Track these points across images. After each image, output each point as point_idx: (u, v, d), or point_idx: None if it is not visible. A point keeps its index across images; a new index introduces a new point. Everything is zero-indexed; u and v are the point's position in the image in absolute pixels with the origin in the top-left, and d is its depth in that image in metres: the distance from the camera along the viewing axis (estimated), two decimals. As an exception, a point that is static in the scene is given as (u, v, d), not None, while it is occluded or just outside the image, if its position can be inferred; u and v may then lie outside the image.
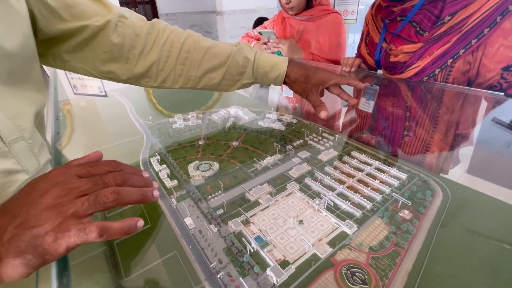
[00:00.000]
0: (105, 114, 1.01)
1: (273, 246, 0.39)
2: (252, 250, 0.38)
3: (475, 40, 0.59)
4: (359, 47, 0.84)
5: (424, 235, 0.40)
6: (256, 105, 0.96)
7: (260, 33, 1.19)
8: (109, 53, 0.49)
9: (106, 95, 1.28)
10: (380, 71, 0.69)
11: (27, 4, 0.36)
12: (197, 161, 0.61)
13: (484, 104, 0.63)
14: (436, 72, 0.61)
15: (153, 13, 5.66)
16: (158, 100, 1.13)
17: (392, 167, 0.54)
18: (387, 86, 0.66)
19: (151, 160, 0.63)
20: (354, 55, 0.86)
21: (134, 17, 0.51)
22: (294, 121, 0.79)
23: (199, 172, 0.57)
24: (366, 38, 0.75)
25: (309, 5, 1.14)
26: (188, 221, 0.44)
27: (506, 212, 0.44)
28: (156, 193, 0.30)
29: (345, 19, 5.81)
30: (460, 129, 0.60)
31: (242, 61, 0.52)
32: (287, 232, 0.42)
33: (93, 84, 1.60)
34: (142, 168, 0.61)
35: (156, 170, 0.59)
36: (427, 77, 0.63)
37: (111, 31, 0.48)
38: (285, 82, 0.56)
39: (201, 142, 0.71)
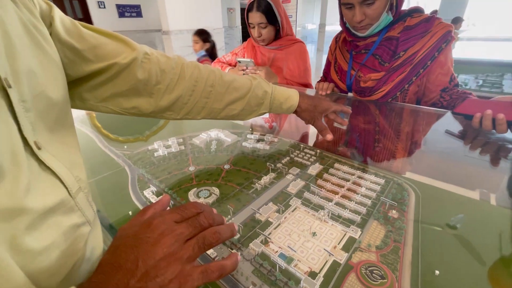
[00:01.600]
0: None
1: (298, 260, 0.43)
2: (282, 267, 0.41)
3: (422, 69, 0.79)
4: (325, 72, 0.98)
5: (411, 229, 0.49)
6: (233, 126, 0.99)
7: (239, 61, 1.28)
8: (134, 89, 0.48)
9: None
10: (350, 94, 0.82)
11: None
12: (195, 188, 0.61)
13: (431, 118, 0.81)
14: (397, 95, 0.77)
15: (88, 31, 5.21)
16: (102, 124, 1.07)
17: (371, 175, 0.64)
18: (358, 106, 0.78)
19: (145, 192, 0.60)
20: (320, 78, 1.00)
21: (156, 53, 0.52)
22: (275, 139, 0.85)
23: (201, 199, 0.57)
24: (335, 66, 0.89)
25: (277, 36, 1.28)
26: (208, 250, 0.45)
27: (459, 200, 0.56)
28: (236, 226, 0.34)
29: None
30: (414, 138, 0.75)
31: (261, 94, 0.58)
32: (304, 245, 0.46)
33: None
34: (137, 203, 0.58)
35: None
36: (391, 99, 0.80)
37: (137, 67, 0.47)
38: (295, 112, 0.64)
39: (191, 168, 0.70)
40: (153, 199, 0.58)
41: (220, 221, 0.32)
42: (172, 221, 0.28)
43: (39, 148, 0.27)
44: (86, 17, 5.05)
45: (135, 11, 5.77)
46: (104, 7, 5.30)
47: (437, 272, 0.40)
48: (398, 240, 0.46)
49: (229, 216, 0.53)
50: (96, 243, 0.33)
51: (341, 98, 0.94)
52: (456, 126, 0.79)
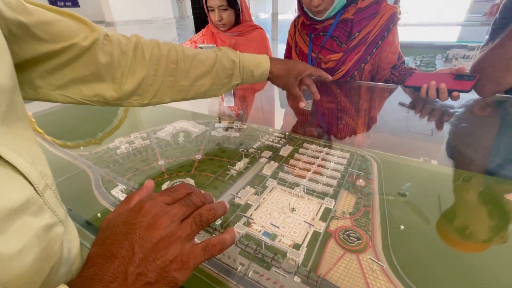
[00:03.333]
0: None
1: (281, 235, 0.44)
2: (268, 244, 0.42)
3: (375, 49, 0.85)
4: (286, 57, 0.99)
5: (377, 194, 0.54)
6: (200, 116, 0.97)
7: (201, 47, 1.21)
8: (95, 74, 0.44)
9: None
10: (313, 76, 0.85)
11: None
12: (168, 181, 0.59)
13: (384, 93, 0.89)
14: (355, 74, 0.82)
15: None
16: (44, 130, 0.94)
17: (337, 150, 0.68)
18: (321, 87, 0.81)
19: (112, 192, 0.56)
20: None
21: (116, 34, 0.47)
22: (244, 126, 0.85)
23: (176, 191, 0.56)
24: (296, 49, 0.91)
25: (237, 21, 1.25)
26: (191, 239, 0.44)
27: (409, 166, 0.64)
28: (227, 204, 0.34)
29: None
30: (371, 113, 0.82)
31: (228, 64, 0.55)
32: (285, 221, 0.48)
33: None
34: (106, 204, 0.53)
35: (126, 200, 0.53)
36: (350, 78, 0.85)
37: (98, 50, 0.43)
38: (268, 79, 0.62)
39: (160, 162, 0.67)
40: (123, 197, 0.54)
41: (210, 200, 0.32)
42: (163, 203, 0.26)
43: None
44: (8, 7, 4.35)
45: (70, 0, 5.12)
46: (30, -5, 4.61)
47: (402, 227, 0.45)
48: (367, 204, 0.50)
49: (208, 204, 0.52)
50: (72, 244, 0.30)
51: None
52: (406, 99, 0.88)
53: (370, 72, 0.87)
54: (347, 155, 0.66)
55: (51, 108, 1.14)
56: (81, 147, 0.77)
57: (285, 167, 0.62)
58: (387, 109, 0.86)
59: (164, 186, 0.57)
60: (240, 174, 0.62)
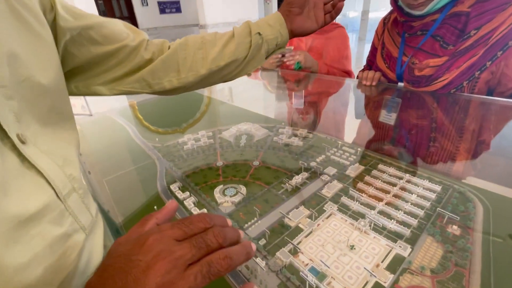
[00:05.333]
0: (105, 138, 0.94)
1: (331, 277, 0.37)
2: (313, 285, 0.36)
3: (501, 52, 0.62)
4: (370, 60, 0.85)
5: (480, 251, 0.39)
6: (265, 120, 0.94)
7: None
8: (140, 67, 0.48)
9: (91, 114, 1.22)
10: (400, 84, 0.70)
11: (53, 30, 0.32)
12: (221, 185, 0.58)
13: (506, 113, 0.65)
14: (464, 84, 0.63)
15: (133, 28, 5.56)
16: (143, 117, 1.11)
17: (424, 179, 0.54)
18: (410, 98, 0.67)
19: (171, 187, 0.59)
20: (363, 67, 0.88)
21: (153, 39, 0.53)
22: (310, 135, 0.78)
23: (227, 197, 0.54)
24: (382, 52, 0.76)
25: None
26: (231, 255, 0.41)
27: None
28: (254, 246, 0.26)
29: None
30: (482, 137, 0.62)
31: (245, 28, 0.51)
32: (340, 260, 0.39)
33: (75, 103, 1.52)
34: (163, 197, 0.56)
35: (180, 198, 0.55)
36: (454, 89, 0.68)
37: (143, 49, 0.47)
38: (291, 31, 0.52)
39: (219, 163, 0.67)
40: (179, 194, 0.56)
41: (234, 238, 0.25)
42: (172, 238, 0.22)
43: (23, 142, 0.23)
44: (130, 15, 5.38)
45: (174, 7, 5.97)
46: (147, 5, 5.57)
47: (518, 313, 0.31)
48: (461, 264, 0.37)
49: (255, 219, 0.48)
50: (92, 255, 0.30)
51: (389, 90, 0.80)
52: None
53: (487, 83, 0.64)
54: (438, 187, 0.51)
55: (150, 99, 1.34)
56: (157, 138, 0.85)
57: (351, 191, 0.53)
58: (507, 134, 0.63)
59: (217, 190, 0.57)
60: (296, 190, 0.55)
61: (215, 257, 0.22)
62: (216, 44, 0.52)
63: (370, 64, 0.85)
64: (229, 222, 0.28)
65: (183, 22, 6.27)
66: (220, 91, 1.56)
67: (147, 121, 1.05)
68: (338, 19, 1.35)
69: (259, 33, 0.50)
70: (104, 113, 1.16)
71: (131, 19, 5.43)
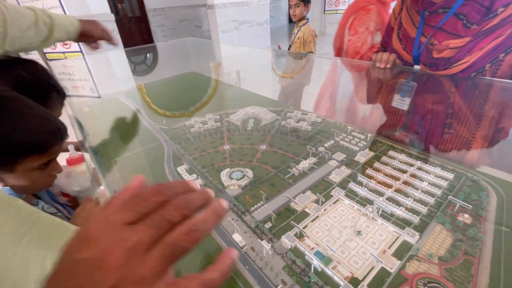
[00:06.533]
0: (113, 119, 0.95)
1: (337, 262, 0.37)
2: (318, 268, 0.36)
3: None
4: (384, 41, 0.80)
5: (491, 240, 0.38)
6: (274, 104, 0.92)
7: None
8: None
9: (99, 96, 1.23)
10: (417, 67, 0.66)
11: None
12: (228, 168, 0.58)
13: None
14: (486, 68, 0.58)
15: (140, 8, 5.47)
16: (151, 99, 1.11)
17: (435, 167, 0.52)
18: (427, 82, 0.63)
19: (178, 169, 0.59)
20: (377, 49, 0.83)
21: None
22: (319, 120, 0.76)
23: (234, 180, 0.54)
24: (399, 32, 0.71)
25: None
26: (237, 237, 0.41)
27: None
28: (225, 204, 0.21)
29: (336, 10, 5.65)
30: (501, 124, 0.59)
31: (47, 19, 0.54)
32: (346, 245, 0.39)
33: (84, 85, 1.53)
34: (170, 179, 0.57)
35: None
36: (475, 73, 0.63)
37: None
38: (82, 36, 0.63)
39: (226, 147, 0.67)
40: (186, 176, 0.56)
41: (201, 203, 0.20)
42: (121, 223, 0.18)
43: None
44: (138, -5, 5.24)
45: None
46: (154, -16, 5.41)
47: (528, 303, 0.30)
48: (471, 253, 0.36)
49: (261, 202, 0.48)
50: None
51: (404, 73, 0.74)
52: None
53: (510, 67, 0.59)
54: (451, 175, 0.50)
55: (158, 81, 1.33)
56: (164, 121, 0.85)
57: (359, 177, 0.52)
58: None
59: (224, 173, 0.57)
60: (304, 174, 0.55)
61: (176, 234, 0.18)
62: (16, 26, 0.49)
63: (385, 45, 0.79)
64: (192, 184, 0.22)
65: (190, 3, 6.10)
66: (227, 74, 1.54)
67: (154, 104, 1.05)
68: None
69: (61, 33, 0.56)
70: (112, 95, 1.16)
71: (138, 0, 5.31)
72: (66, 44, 2.28)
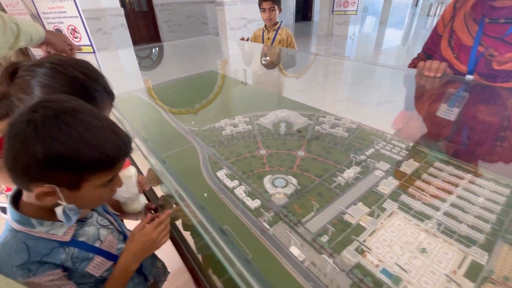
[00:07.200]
0: (139, 118, 0.92)
1: (407, 282, 0.35)
2: (390, 289, 0.34)
3: None
4: (428, 48, 0.76)
5: None
6: (300, 107, 0.90)
7: None
8: None
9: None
10: (469, 77, 0.63)
11: None
12: (269, 175, 0.56)
13: None
14: None
15: (147, 3, 5.42)
16: (157, 96, 1.11)
17: (488, 181, 0.51)
18: (481, 93, 0.61)
19: (218, 174, 0.57)
20: (417, 55, 0.79)
21: None
22: (354, 126, 0.74)
23: (279, 189, 0.52)
24: (450, 41, 0.68)
25: None
26: (294, 251, 0.40)
27: None
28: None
29: (345, 10, 5.60)
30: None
31: (15, 27, 0.53)
32: (411, 263, 0.38)
33: None
34: (211, 184, 0.55)
35: (230, 186, 0.53)
36: None
37: None
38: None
39: (262, 152, 0.65)
40: (227, 182, 0.54)
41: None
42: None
43: None
44: (145, -11, 5.20)
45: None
46: (162, -21, 5.37)
47: None
48: (547, 276, 0.35)
49: (312, 213, 0.47)
50: None
51: (455, 82, 0.67)
52: None
53: None
54: (507, 190, 0.48)
55: (166, 82, 1.31)
56: (192, 122, 0.83)
57: (410, 189, 0.50)
58: None
59: (266, 179, 0.55)
60: (350, 184, 0.53)
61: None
62: None
63: (428, 52, 0.74)
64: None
65: (197, -1, 6.07)
66: (234, 72, 1.51)
67: (160, 100, 1.05)
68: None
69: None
70: (131, 92, 1.14)
71: (146, -7, 5.27)
72: (76, 38, 2.26)
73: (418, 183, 0.52)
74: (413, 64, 0.78)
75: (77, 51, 0.73)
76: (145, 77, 1.42)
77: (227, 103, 1.03)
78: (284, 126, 0.77)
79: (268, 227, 0.44)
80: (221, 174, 0.57)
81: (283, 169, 0.59)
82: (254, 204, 0.48)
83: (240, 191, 0.52)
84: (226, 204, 0.50)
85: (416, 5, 8.44)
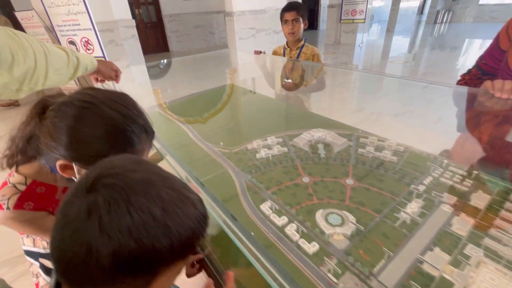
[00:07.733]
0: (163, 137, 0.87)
1: None
2: None
3: None
4: (484, 63, 0.69)
5: None
6: (336, 126, 0.84)
7: None
8: None
9: None
10: None
11: None
12: (321, 210, 0.50)
13: None
14: None
15: (156, 14, 5.48)
16: (182, 113, 1.08)
17: None
18: None
19: (261, 208, 0.51)
20: (469, 71, 0.72)
21: None
22: (401, 148, 0.68)
23: (337, 228, 0.46)
24: None
25: None
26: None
27: None
28: None
29: (353, 19, 5.61)
30: None
31: (76, 61, 0.56)
32: (525, 335, 0.31)
33: None
34: (259, 223, 0.48)
35: (278, 224, 0.47)
36: None
37: None
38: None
39: (305, 179, 0.59)
40: (275, 219, 0.48)
41: None
42: None
43: None
44: (154, 1, 5.27)
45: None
46: (171, -10, 5.44)
47: None
48: None
49: (382, 261, 0.40)
50: None
51: None
52: None
53: None
54: None
55: (195, 93, 1.29)
56: (221, 143, 0.77)
57: (492, 230, 0.43)
58: None
59: (318, 215, 0.48)
60: (416, 223, 0.46)
61: None
62: (53, 65, 0.50)
63: (485, 68, 0.67)
64: None
65: (205, 9, 6.13)
66: (243, 81, 1.47)
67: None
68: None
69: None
70: (152, 108, 1.09)
71: (155, 4, 5.35)
72: (89, 50, 2.25)
73: (498, 221, 0.45)
74: (464, 81, 0.72)
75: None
76: (160, 91, 1.39)
77: (255, 121, 0.97)
78: (322, 148, 0.71)
79: (334, 279, 0.38)
80: (265, 207, 0.51)
81: (334, 201, 0.52)
82: (312, 248, 0.42)
83: (292, 231, 0.45)
84: (279, 248, 0.43)
85: (422, 13, 8.42)
